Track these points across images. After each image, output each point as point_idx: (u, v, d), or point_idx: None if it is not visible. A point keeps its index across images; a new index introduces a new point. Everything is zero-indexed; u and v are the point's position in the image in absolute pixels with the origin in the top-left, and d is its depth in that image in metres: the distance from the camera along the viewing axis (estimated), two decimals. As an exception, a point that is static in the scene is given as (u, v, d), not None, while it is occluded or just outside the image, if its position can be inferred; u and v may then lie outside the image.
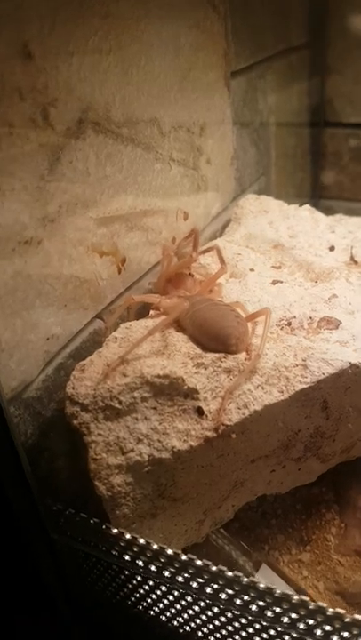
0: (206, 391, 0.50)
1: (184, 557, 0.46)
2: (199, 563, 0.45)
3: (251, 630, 0.47)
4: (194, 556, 0.45)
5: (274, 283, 0.67)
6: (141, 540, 0.47)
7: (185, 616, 0.50)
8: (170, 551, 0.46)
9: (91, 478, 0.48)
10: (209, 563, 0.45)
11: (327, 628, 0.42)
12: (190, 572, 0.46)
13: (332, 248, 0.76)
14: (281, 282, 0.68)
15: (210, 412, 0.49)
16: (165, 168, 0.67)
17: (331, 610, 0.42)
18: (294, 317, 0.61)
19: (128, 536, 0.48)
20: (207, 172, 0.77)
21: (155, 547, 0.47)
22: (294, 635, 0.44)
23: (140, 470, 0.48)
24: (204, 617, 0.49)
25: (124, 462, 0.48)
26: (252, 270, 0.70)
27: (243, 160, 0.89)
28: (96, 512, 0.50)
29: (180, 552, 0.46)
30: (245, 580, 0.44)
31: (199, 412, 0.49)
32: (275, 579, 0.58)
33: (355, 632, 0.41)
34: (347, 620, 0.41)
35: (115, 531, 0.49)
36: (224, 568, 0.44)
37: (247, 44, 0.82)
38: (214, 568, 0.44)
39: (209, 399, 0.50)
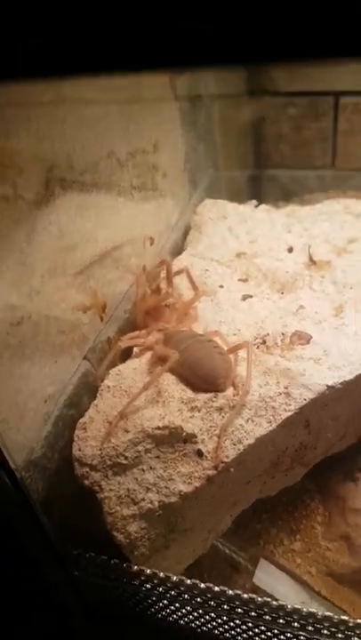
0: (203, 433, 0.54)
1: (202, 586, 0.52)
2: (230, 592, 0.51)
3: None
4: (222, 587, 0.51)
5: (244, 298, 0.71)
6: (161, 574, 0.53)
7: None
8: (188, 582, 0.52)
9: (108, 530, 0.52)
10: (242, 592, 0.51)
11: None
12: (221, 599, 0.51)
13: (290, 249, 0.80)
14: (250, 296, 0.71)
15: (208, 452, 0.54)
16: (128, 198, 0.68)
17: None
18: (268, 335, 0.65)
19: (148, 572, 0.53)
20: (164, 185, 0.78)
21: (174, 579, 0.52)
22: None
23: (152, 515, 0.53)
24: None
25: (137, 511, 0.52)
26: (221, 287, 0.73)
27: (193, 161, 0.89)
28: (113, 549, 0.55)
29: (198, 582, 0.52)
30: (275, 603, 0.50)
31: (199, 453, 0.54)
32: (275, 572, 0.65)
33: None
34: None
35: (135, 567, 0.54)
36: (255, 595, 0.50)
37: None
38: (247, 596, 0.50)
39: (206, 440, 0.54)
